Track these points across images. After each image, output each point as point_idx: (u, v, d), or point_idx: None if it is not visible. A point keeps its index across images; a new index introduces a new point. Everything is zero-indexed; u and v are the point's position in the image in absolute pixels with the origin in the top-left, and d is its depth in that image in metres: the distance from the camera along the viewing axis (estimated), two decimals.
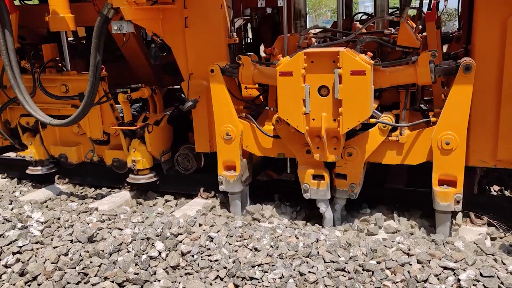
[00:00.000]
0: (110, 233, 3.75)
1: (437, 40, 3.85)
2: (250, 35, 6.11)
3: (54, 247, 3.56)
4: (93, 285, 3.19)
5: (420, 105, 3.98)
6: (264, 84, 4.14)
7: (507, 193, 4.68)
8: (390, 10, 4.68)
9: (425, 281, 2.95)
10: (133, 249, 3.49)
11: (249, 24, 5.77)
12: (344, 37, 3.93)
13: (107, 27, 3.95)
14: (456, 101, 3.41)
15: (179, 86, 4.54)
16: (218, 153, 4.14)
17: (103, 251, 3.46)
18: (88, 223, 3.93)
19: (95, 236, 3.71)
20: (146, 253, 3.45)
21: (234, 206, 4.28)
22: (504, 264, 3.14)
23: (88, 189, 5.29)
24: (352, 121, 3.39)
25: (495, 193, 4.68)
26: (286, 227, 3.97)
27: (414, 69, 3.47)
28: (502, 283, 2.88)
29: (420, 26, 4.13)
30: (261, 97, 4.42)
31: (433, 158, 3.57)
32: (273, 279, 3.09)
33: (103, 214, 4.16)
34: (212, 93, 4.00)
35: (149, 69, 5.32)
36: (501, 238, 3.74)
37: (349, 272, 3.09)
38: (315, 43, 4.06)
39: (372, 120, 3.58)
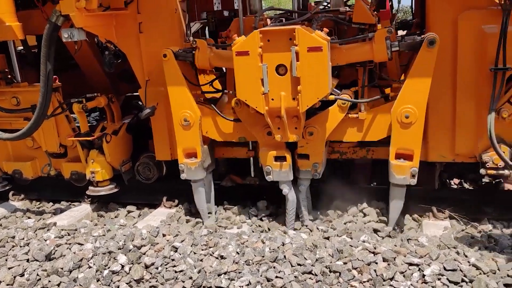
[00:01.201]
0: (70, 249, 3.61)
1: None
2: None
3: (9, 268, 3.40)
4: None
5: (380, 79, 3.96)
6: (221, 69, 4.02)
7: (466, 186, 4.78)
8: None
9: (391, 279, 2.97)
10: (94, 264, 3.37)
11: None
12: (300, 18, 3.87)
13: (56, 35, 3.80)
14: (419, 75, 3.41)
15: (137, 93, 4.41)
16: (178, 140, 4.00)
17: (62, 268, 3.32)
18: (45, 240, 3.77)
19: (54, 253, 3.56)
20: (108, 268, 3.33)
21: (198, 194, 4.15)
22: (466, 256, 3.20)
23: (46, 204, 5.09)
24: (311, 99, 3.35)
25: (455, 187, 4.77)
26: (253, 232, 3.93)
27: (370, 46, 3.47)
28: (465, 275, 2.92)
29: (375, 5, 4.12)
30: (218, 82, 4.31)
31: (392, 132, 3.57)
32: (240, 286, 3.04)
33: (62, 230, 4.00)
34: (166, 78, 3.86)
35: (105, 77, 5.17)
36: (462, 230, 3.80)
37: (316, 275, 3.07)
38: (271, 24, 3.99)
39: (331, 97, 3.55)
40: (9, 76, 4.79)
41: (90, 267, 3.35)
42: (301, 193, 3.95)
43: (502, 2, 3.24)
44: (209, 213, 4.27)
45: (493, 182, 4.65)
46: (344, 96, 3.62)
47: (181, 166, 4.04)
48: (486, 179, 4.74)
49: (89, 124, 4.64)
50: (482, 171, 3.69)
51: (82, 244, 3.64)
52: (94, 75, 5.20)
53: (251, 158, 4.41)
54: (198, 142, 3.97)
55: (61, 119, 4.66)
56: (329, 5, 4.16)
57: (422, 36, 3.38)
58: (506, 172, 3.62)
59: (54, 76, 4.58)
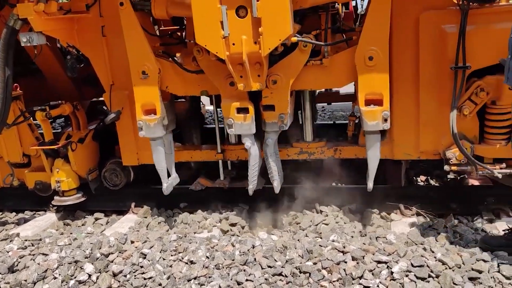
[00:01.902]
0: (34, 260, 3.51)
1: None
2: None
3: None
4: None
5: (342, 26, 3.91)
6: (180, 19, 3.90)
7: (433, 182, 4.88)
8: None
9: (361, 277, 2.99)
10: (59, 275, 3.28)
11: None
12: None
13: (15, 39, 3.69)
14: (376, 15, 3.40)
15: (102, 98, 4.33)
16: (136, 95, 3.84)
17: (25, 280, 3.23)
18: (8, 252, 3.65)
19: (17, 265, 3.46)
20: (75, 278, 3.26)
21: (157, 153, 3.95)
22: (433, 252, 3.25)
23: (8, 214, 4.91)
24: (273, 41, 3.27)
25: (422, 184, 4.86)
26: (223, 235, 3.91)
27: None
28: (431, 271, 2.97)
29: None
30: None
31: (358, 78, 3.55)
32: None
33: (26, 240, 3.89)
34: (123, 29, 3.72)
35: (69, 82, 5.04)
36: (429, 226, 3.87)
37: (286, 276, 3.07)
38: None
39: (294, 39, 3.44)
40: None
41: (55, 278, 3.27)
42: (269, 147, 3.81)
43: (460, 3, 3.32)
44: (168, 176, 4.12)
45: (458, 178, 4.76)
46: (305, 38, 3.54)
47: (139, 123, 3.84)
48: (451, 175, 4.86)
49: (54, 131, 4.53)
50: (446, 167, 3.77)
51: (47, 255, 3.55)
52: (57, 81, 5.06)
53: (220, 161, 4.37)
54: (157, 98, 3.82)
55: (23, 128, 4.54)
56: None
57: None
58: (469, 168, 3.71)
59: (15, 84, 4.45)
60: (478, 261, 3.05)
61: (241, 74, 3.47)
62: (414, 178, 4.94)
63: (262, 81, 3.51)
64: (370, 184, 3.76)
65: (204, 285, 3.08)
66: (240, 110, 3.68)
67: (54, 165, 4.41)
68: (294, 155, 4.22)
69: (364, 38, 3.48)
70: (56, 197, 4.49)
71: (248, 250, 3.40)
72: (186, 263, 3.32)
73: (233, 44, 3.30)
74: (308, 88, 3.85)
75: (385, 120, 3.51)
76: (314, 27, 3.77)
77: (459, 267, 3.01)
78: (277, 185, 3.89)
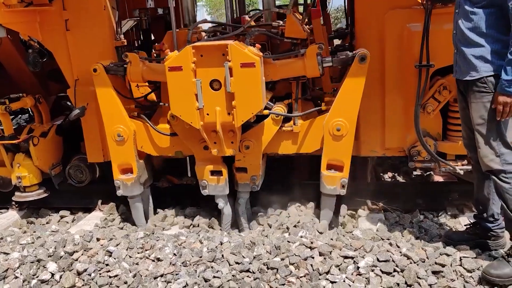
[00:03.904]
0: None
1: (324, 35, 3.96)
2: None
3: None
4: None
5: (312, 92, 4.04)
6: (155, 82, 3.98)
7: (400, 179, 4.96)
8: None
9: (327, 272, 3.01)
10: (21, 274, 3.19)
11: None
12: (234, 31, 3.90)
13: None
14: (350, 89, 3.49)
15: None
16: (112, 156, 3.90)
17: None
18: None
19: None
20: (37, 277, 3.17)
21: (136, 211, 4.06)
22: (398, 247, 3.30)
23: None
24: (246, 114, 3.36)
25: (389, 180, 4.94)
26: (190, 232, 3.87)
27: (303, 62, 3.51)
28: (397, 265, 3.02)
29: (306, 19, 4.20)
30: (153, 95, 4.24)
31: (324, 144, 3.64)
32: None
33: None
34: (97, 94, 3.75)
35: (33, 77, 4.90)
36: (396, 222, 3.93)
37: (253, 272, 3.07)
38: (205, 38, 3.98)
39: (266, 112, 3.58)
40: None
41: (16, 277, 3.17)
42: (241, 206, 3.95)
43: (424, 2, 3.38)
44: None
45: (424, 174, 4.86)
46: (278, 110, 3.68)
47: (116, 182, 3.93)
48: (417, 172, 4.95)
49: (17, 126, 4.39)
50: (411, 164, 3.84)
51: (8, 254, 3.45)
52: (20, 75, 4.90)
53: (187, 158, 4.33)
54: (133, 158, 3.89)
55: None
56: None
57: (354, 52, 3.47)
58: (433, 164, 3.79)
59: None
60: (441, 255, 3.11)
61: (215, 141, 3.58)
62: (381, 174, 5.01)
63: (235, 147, 3.61)
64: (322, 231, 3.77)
65: (170, 282, 3.05)
66: (214, 173, 3.79)
67: (15, 160, 4.29)
68: None
69: (335, 110, 3.56)
70: (17, 193, 4.38)
71: (216, 246, 3.38)
72: (153, 261, 3.28)
73: (207, 114, 3.41)
74: (280, 152, 3.90)
75: (343, 186, 3.67)
76: (286, 90, 3.87)
77: (423, 261, 3.07)
78: (246, 232, 4.00)
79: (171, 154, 4.00)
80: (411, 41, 3.54)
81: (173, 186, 4.47)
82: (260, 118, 3.64)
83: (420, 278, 2.89)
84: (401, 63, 3.64)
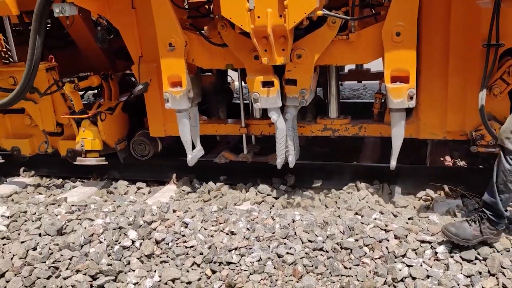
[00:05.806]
0: (80, 224, 3.62)
1: None
2: None
3: (22, 242, 3.42)
4: (64, 278, 3.08)
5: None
6: None
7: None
8: None
9: (404, 256, 2.95)
10: (105, 239, 3.38)
11: None
12: None
13: (48, 9, 3.74)
14: None
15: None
16: (162, 67, 3.85)
17: (73, 243, 3.34)
18: (56, 215, 3.79)
19: (65, 228, 3.58)
20: (119, 243, 3.34)
21: (182, 126, 4.03)
22: None
23: (56, 180, 5.09)
24: (298, 14, 3.21)
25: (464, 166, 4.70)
26: (262, 209, 3.91)
27: None
28: (478, 253, 2.90)
29: None
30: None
31: (384, 53, 3.44)
32: (250, 262, 3.04)
33: (73, 205, 4.01)
34: (152, 2, 3.73)
35: (102, 55, 5.08)
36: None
37: (327, 251, 3.06)
38: None
39: (319, 12, 3.33)
40: (6, 56, 4.73)
41: (101, 242, 3.37)
42: (287, 122, 3.78)
43: None
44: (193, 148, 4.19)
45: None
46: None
47: (165, 94, 3.89)
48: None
49: (88, 102, 4.59)
50: (473, 148, 3.64)
51: (92, 220, 3.65)
52: (90, 52, 5.08)
53: (244, 135, 4.37)
54: (183, 70, 3.84)
55: (57, 98, 4.64)
56: None
57: None
58: (497, 149, 3.56)
59: (50, 56, 4.54)
60: None
61: (266, 48, 3.44)
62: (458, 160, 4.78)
63: (287, 55, 3.47)
64: (393, 163, 3.68)
65: (244, 256, 3.11)
66: (265, 84, 3.66)
67: (81, 124, 4.48)
68: (318, 132, 4.18)
69: (392, 13, 3.35)
70: (78, 158, 4.57)
71: (288, 224, 3.40)
72: (227, 234, 3.36)
73: (258, 17, 3.27)
74: (334, 64, 3.76)
75: (411, 97, 3.41)
76: (341, 2, 3.65)
77: (508, 251, 2.92)
78: (292, 159, 3.90)
79: (222, 67, 3.97)
80: (479, 19, 3.31)
81: (246, 163, 4.51)
82: (313, 26, 3.48)
83: (505, 268, 2.76)
84: (467, 42, 3.42)
